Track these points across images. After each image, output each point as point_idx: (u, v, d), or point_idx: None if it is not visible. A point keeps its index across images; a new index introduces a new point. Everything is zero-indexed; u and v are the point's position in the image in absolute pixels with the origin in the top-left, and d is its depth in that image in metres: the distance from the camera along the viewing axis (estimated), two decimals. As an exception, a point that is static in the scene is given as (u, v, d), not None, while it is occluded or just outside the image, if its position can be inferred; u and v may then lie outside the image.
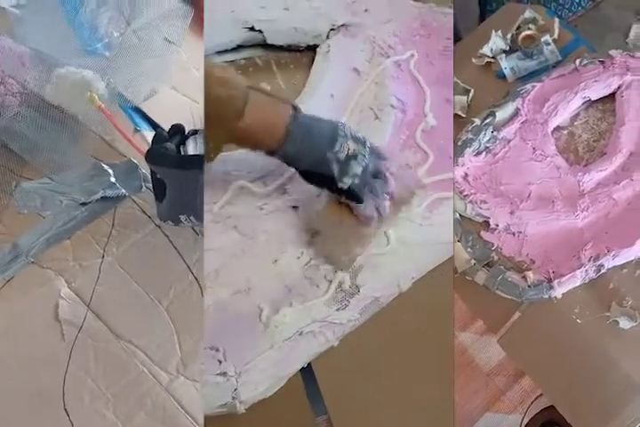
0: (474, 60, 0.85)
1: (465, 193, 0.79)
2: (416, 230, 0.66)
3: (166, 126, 0.59)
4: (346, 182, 0.56)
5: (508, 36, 0.85)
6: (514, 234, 0.80)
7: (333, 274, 0.62)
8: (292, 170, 0.62)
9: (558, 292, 0.77)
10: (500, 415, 0.93)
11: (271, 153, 0.57)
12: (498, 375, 0.85)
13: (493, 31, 0.85)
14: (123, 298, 0.52)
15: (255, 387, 0.57)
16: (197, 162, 0.54)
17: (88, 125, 0.61)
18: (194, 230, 0.62)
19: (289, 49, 0.81)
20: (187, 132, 0.59)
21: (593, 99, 0.86)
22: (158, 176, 0.53)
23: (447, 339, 0.61)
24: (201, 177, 0.54)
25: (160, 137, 0.56)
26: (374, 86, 0.76)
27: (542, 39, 0.83)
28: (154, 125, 0.68)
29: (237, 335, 0.57)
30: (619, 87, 0.86)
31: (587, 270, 0.78)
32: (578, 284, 0.78)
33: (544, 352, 0.78)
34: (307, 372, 0.59)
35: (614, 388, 0.74)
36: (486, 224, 0.80)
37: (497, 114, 0.82)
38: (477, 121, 0.81)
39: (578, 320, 0.77)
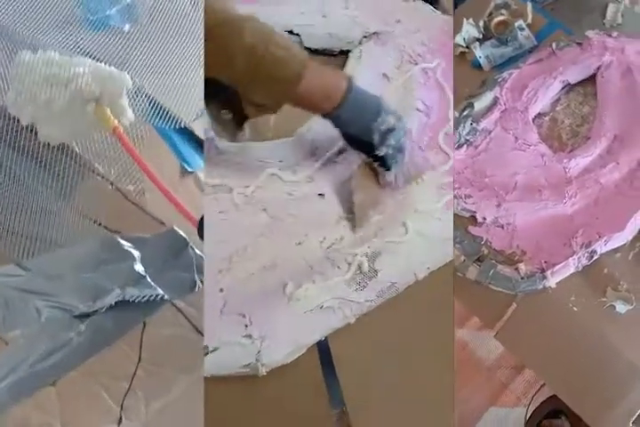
0: (447, 51, 0.83)
1: (449, 189, 0.78)
2: (434, 224, 0.71)
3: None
4: (382, 151, 0.66)
5: (481, 23, 0.83)
6: (502, 226, 0.78)
7: (353, 257, 0.67)
8: (320, 161, 0.72)
9: (552, 281, 0.76)
10: (506, 409, 0.92)
11: (324, 115, 0.64)
12: (500, 368, 0.84)
13: (465, 19, 0.83)
14: None
15: (276, 352, 0.62)
16: None
17: (90, 164, 0.39)
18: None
19: (323, 53, 0.88)
20: None
21: (572, 82, 0.84)
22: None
23: (448, 332, 0.67)
24: None
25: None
26: (402, 90, 0.82)
27: (516, 24, 0.82)
28: None
29: (262, 305, 0.64)
30: (598, 68, 0.84)
31: (579, 258, 0.77)
32: (571, 272, 0.77)
33: (543, 343, 0.77)
34: (325, 357, 0.64)
35: (616, 374, 0.73)
36: (473, 219, 0.79)
37: (475, 104, 0.81)
38: (455, 113, 0.80)
39: (574, 308, 0.76)
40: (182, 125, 0.48)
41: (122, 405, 0.39)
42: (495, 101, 0.81)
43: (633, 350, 0.73)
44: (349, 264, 0.67)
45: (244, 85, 0.60)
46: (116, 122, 0.44)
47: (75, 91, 0.38)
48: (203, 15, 0.51)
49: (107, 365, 0.33)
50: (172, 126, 0.46)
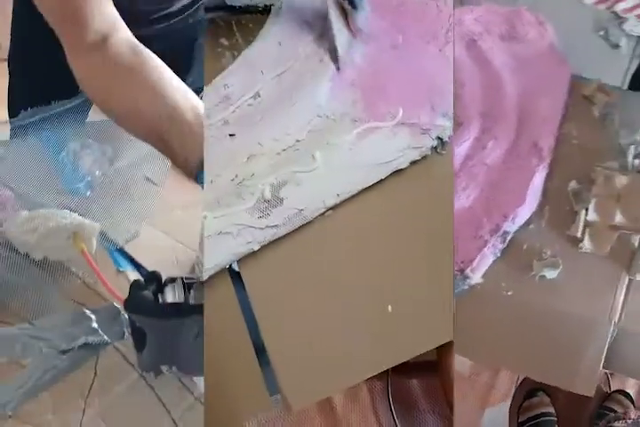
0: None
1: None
2: (344, 155, 0.71)
3: (151, 268, 0.59)
4: None
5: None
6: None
7: (256, 188, 0.68)
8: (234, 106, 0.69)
9: (476, 277, 0.76)
10: (499, 406, 0.91)
11: None
12: (479, 375, 0.83)
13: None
14: None
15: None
16: (176, 311, 0.53)
17: (70, 267, 0.58)
18: (180, 381, 0.61)
19: (248, 11, 0.86)
20: (164, 280, 0.58)
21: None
22: (137, 325, 0.52)
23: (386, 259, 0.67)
24: (183, 326, 0.53)
25: (138, 284, 0.55)
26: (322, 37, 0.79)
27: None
28: (138, 267, 0.66)
29: None
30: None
31: (493, 245, 0.76)
32: (491, 260, 0.77)
33: (494, 337, 0.76)
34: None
35: (572, 332, 0.74)
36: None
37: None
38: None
39: (508, 293, 0.76)
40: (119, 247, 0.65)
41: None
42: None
43: (578, 304, 0.74)
44: (252, 194, 0.67)
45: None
46: (83, 246, 0.59)
47: (62, 226, 0.56)
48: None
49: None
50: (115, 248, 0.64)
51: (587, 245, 0.74)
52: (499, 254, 0.77)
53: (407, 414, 0.77)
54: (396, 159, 0.73)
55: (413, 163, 0.71)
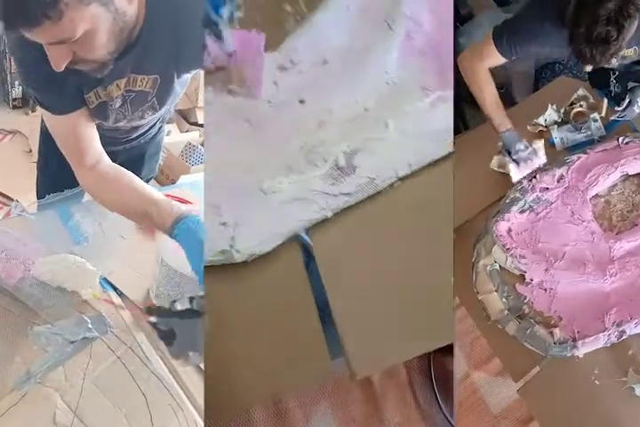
0: (529, 128, 0.92)
1: (507, 246, 0.85)
2: (416, 123, 0.70)
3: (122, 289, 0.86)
4: None
5: (562, 109, 0.92)
6: (545, 290, 0.85)
7: (330, 155, 0.69)
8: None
9: (581, 351, 0.81)
10: None
11: None
12: (506, 419, 0.87)
13: (550, 104, 0.93)
14: (101, 407, 0.73)
15: (250, 238, 0.65)
16: (189, 313, 0.68)
17: (78, 292, 0.85)
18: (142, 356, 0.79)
19: None
20: (173, 299, 0.73)
21: (631, 173, 0.93)
22: (165, 328, 0.68)
23: (446, 234, 0.68)
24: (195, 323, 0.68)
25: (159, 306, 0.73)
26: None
27: (591, 116, 0.91)
28: (115, 289, 0.88)
29: (238, 198, 0.67)
30: (655, 166, 0.93)
31: (609, 334, 0.81)
32: (600, 346, 0.82)
33: (560, 407, 0.81)
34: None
35: None
36: (522, 278, 0.85)
37: (542, 177, 0.89)
38: (525, 182, 0.87)
39: (596, 382, 0.80)
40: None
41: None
42: (561, 178, 0.89)
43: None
44: (326, 161, 0.68)
45: None
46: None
47: (74, 268, 0.87)
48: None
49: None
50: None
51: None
52: (608, 345, 0.82)
53: (447, 393, 0.79)
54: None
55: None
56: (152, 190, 0.80)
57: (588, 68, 0.83)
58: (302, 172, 0.67)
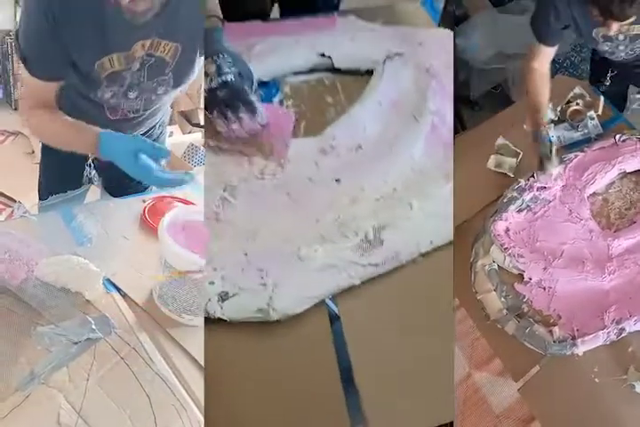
0: (525, 127, 0.93)
1: (505, 246, 0.85)
2: (438, 205, 0.81)
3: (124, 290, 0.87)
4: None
5: (559, 108, 0.93)
6: (544, 289, 0.85)
7: (360, 228, 0.78)
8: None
9: (581, 349, 0.81)
10: None
11: None
12: (508, 419, 0.87)
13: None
14: (105, 408, 0.73)
15: (286, 299, 0.73)
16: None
17: (82, 293, 0.84)
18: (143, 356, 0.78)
19: (351, 72, 1.02)
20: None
21: (628, 171, 0.93)
22: None
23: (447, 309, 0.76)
24: None
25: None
26: (417, 96, 0.94)
27: (588, 114, 0.91)
28: (118, 289, 0.88)
29: (278, 263, 0.76)
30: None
31: (609, 332, 0.82)
32: (599, 344, 0.82)
33: (560, 405, 0.81)
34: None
35: None
36: (520, 277, 0.85)
37: (539, 177, 0.89)
38: (522, 181, 0.88)
39: (596, 379, 0.80)
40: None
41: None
42: (558, 177, 0.89)
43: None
44: (357, 234, 0.77)
45: None
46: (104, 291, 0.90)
47: (78, 269, 0.87)
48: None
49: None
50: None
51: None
52: (607, 343, 0.82)
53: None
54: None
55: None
56: (74, 121, 0.86)
57: (615, 28, 0.81)
58: (335, 242, 0.77)
